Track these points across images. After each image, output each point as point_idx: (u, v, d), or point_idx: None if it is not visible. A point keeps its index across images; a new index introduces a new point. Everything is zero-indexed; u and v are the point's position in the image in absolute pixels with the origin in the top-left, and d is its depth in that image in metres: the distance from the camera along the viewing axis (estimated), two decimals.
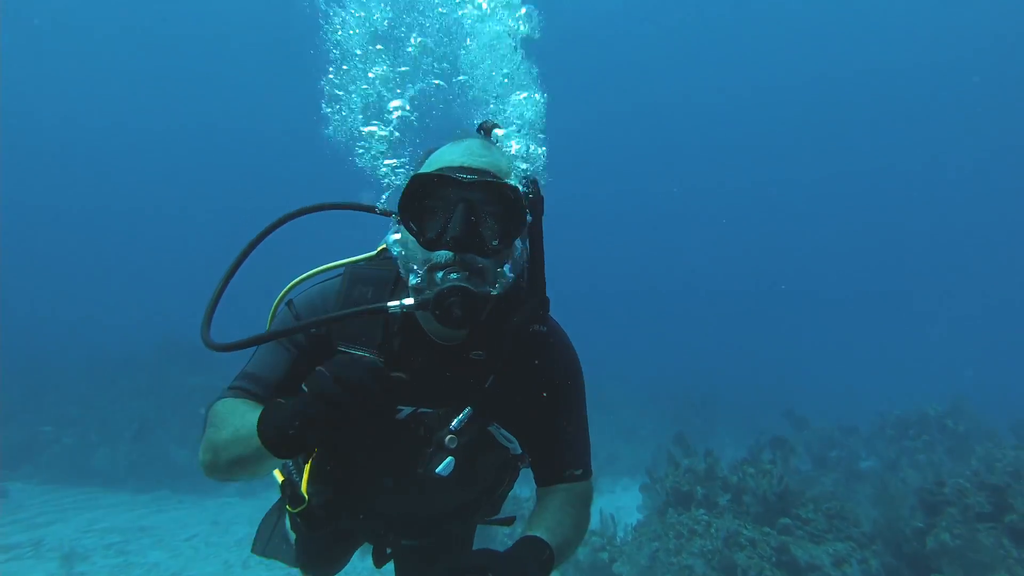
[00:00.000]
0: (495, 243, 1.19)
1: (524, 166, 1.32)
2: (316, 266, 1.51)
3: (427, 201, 1.19)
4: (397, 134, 1.48)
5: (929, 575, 5.21)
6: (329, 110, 1.54)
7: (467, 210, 1.15)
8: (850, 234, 42.19)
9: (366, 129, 1.49)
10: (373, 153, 1.49)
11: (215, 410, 1.29)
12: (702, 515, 5.93)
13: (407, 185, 1.19)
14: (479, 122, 1.41)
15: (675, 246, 46.36)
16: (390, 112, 1.47)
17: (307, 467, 1.46)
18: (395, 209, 1.27)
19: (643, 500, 7.70)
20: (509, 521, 1.74)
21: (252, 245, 1.41)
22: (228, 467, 1.19)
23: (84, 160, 39.31)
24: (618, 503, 8.28)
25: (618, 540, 6.21)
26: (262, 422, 1.07)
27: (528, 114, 1.41)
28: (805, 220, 42.23)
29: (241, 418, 1.17)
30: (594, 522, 5.65)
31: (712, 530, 5.68)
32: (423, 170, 1.26)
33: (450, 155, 1.24)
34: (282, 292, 1.50)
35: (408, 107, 1.47)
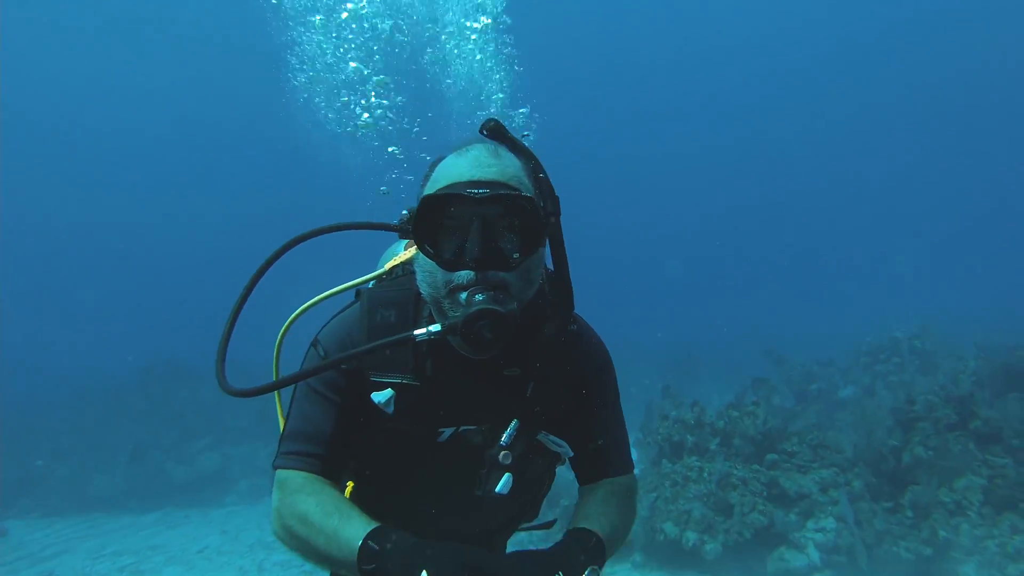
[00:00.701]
0: (516, 256, 1.15)
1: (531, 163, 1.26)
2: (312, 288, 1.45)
3: (441, 221, 1.15)
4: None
5: (907, 488, 5.58)
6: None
7: (483, 227, 1.11)
8: (813, 172, 42.96)
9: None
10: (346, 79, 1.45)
11: (294, 497, 1.23)
12: (694, 462, 6.20)
13: (418, 208, 1.16)
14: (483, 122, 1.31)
15: (644, 205, 46.71)
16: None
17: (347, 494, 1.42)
18: (408, 230, 1.24)
19: (638, 455, 7.99)
20: (549, 525, 1.71)
21: (259, 273, 1.35)
22: (306, 559, 1.21)
23: (57, 187, 37.91)
24: None
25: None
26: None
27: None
28: (767, 160, 42.80)
29: (338, 533, 1.14)
30: None
31: (705, 474, 5.96)
32: (430, 187, 1.22)
33: (457, 169, 1.19)
34: (288, 321, 1.44)
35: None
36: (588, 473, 1.45)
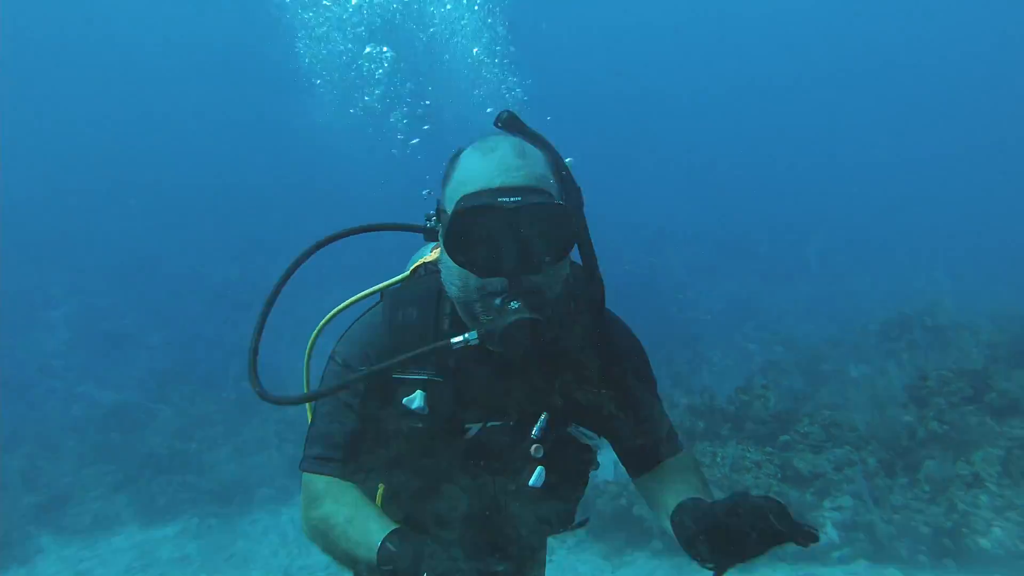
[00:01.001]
0: (547, 259, 1.16)
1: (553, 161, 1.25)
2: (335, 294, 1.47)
3: (471, 231, 1.15)
4: None
5: (923, 463, 5.58)
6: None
7: (515, 236, 1.12)
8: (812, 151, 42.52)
9: None
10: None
11: (317, 500, 1.28)
12: (706, 447, 6.22)
13: (450, 221, 1.15)
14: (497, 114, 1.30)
15: (639, 189, 46.39)
16: None
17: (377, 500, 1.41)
18: (434, 231, 1.27)
19: None
20: (583, 523, 1.67)
21: (286, 276, 1.36)
22: (333, 559, 1.26)
23: (64, 190, 38.25)
24: None
25: (633, 486, 6.50)
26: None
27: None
28: (766, 138, 42.41)
29: (359, 536, 1.17)
30: (609, 472, 5.90)
31: (718, 459, 5.99)
32: (455, 189, 1.21)
33: (484, 173, 1.17)
34: (317, 327, 1.45)
35: None
36: (642, 460, 1.43)
